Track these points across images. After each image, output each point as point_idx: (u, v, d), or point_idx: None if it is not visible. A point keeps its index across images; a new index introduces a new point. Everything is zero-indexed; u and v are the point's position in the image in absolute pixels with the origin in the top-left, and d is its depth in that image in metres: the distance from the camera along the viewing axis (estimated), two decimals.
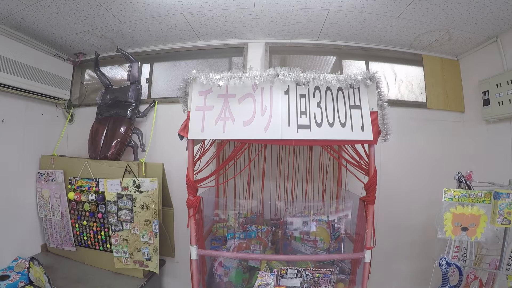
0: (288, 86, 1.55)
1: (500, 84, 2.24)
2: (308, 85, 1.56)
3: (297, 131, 1.50)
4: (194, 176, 1.67)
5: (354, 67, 2.85)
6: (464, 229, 1.61)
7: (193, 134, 1.57)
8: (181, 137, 1.63)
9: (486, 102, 2.38)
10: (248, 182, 2.56)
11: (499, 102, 2.25)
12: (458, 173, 1.76)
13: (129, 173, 2.31)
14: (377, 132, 1.56)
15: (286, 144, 2.02)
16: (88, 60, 3.00)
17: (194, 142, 1.66)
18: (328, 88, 1.57)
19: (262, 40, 2.75)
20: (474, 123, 2.59)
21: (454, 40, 2.50)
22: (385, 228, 2.53)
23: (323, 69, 2.92)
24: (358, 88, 1.58)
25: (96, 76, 2.83)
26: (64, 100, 2.92)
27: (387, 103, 1.62)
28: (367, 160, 1.68)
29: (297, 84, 1.56)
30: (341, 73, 1.74)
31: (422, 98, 2.80)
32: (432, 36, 2.48)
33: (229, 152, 2.33)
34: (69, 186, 2.50)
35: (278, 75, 1.53)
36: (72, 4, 2.09)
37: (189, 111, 1.60)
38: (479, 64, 2.57)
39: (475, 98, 2.53)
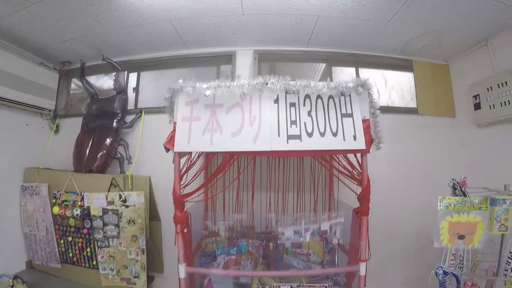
0: (278, 94, 1.51)
1: (491, 87, 2.23)
2: (298, 94, 1.51)
3: (287, 142, 1.45)
4: (181, 190, 1.60)
5: (344, 74, 2.83)
6: (461, 237, 1.57)
7: (179, 146, 1.51)
8: (167, 150, 1.57)
9: (477, 106, 2.37)
10: (237, 195, 2.46)
11: (490, 106, 2.25)
12: (453, 179, 1.72)
13: (115, 187, 2.23)
14: (369, 141, 1.53)
15: (276, 156, 1.97)
16: (75, 69, 2.92)
17: (181, 154, 1.60)
18: (318, 96, 1.52)
19: (251, 47, 2.71)
20: (465, 128, 2.57)
21: (444, 44, 2.50)
22: (378, 236, 2.46)
23: (313, 76, 2.89)
24: (350, 95, 1.54)
25: (82, 86, 2.75)
26: (50, 110, 2.84)
27: (379, 111, 1.58)
28: (359, 170, 1.63)
29: (286, 93, 1.51)
30: (331, 80, 1.72)
31: (413, 104, 2.78)
32: (422, 41, 2.47)
33: (218, 163, 2.26)
34: (54, 200, 2.42)
35: (267, 84, 1.48)
36: (57, 11, 2.03)
37: (175, 122, 1.54)
38: (469, 68, 2.57)
39: (466, 103, 2.53)
